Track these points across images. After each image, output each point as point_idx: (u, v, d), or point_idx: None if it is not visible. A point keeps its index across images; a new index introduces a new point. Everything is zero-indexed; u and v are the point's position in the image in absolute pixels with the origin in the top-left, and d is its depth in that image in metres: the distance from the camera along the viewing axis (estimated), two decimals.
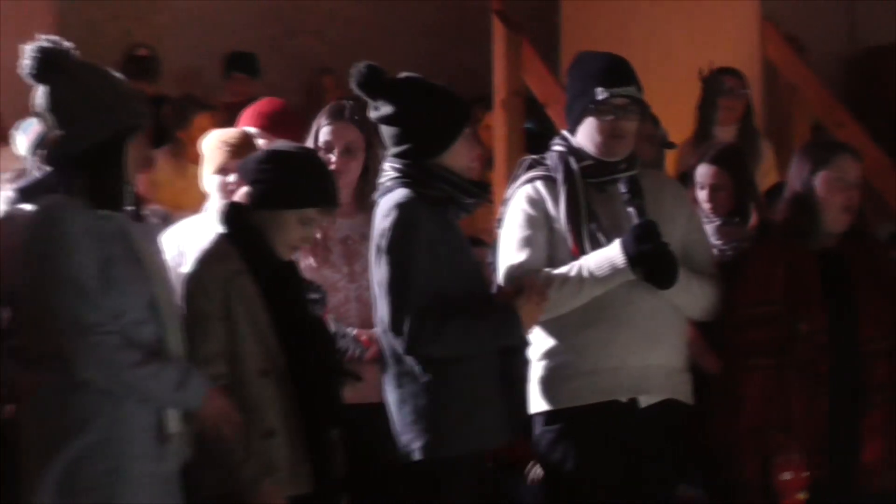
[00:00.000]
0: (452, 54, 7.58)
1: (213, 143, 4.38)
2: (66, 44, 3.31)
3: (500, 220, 4.08)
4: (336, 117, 4.37)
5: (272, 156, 3.72)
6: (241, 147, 4.18)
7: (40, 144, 4.11)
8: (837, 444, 3.89)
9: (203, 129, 5.05)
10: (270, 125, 4.66)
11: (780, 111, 6.95)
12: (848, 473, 3.89)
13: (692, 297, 3.87)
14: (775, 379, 3.92)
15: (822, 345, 3.89)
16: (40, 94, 3.23)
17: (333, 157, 4.30)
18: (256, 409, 3.40)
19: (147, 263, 3.25)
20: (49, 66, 3.21)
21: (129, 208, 3.30)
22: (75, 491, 3.10)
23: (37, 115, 3.38)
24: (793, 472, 3.80)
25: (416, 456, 3.61)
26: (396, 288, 3.59)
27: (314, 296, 3.89)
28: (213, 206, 4.23)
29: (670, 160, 5.39)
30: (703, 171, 4.84)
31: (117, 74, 3.43)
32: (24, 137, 4.52)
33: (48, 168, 3.33)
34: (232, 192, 3.90)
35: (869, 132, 6.03)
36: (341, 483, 3.77)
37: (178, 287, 3.49)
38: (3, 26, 7.16)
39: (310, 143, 4.29)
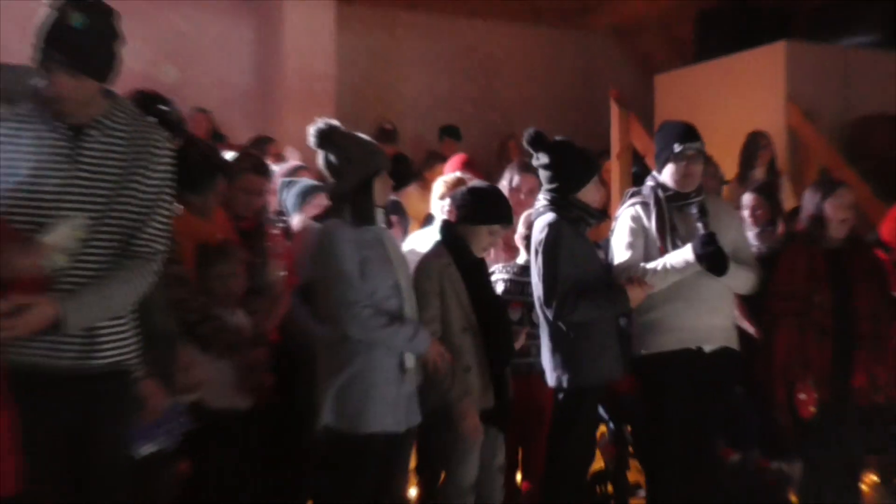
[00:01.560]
0: (586, 122, 8.19)
1: (438, 183, 5.02)
2: (335, 122, 3.90)
3: (612, 231, 4.64)
4: (524, 170, 4.95)
5: (472, 190, 4.29)
6: (454, 185, 4.75)
7: (307, 191, 5.02)
8: (837, 375, 4.44)
9: (438, 174, 5.47)
10: (463, 169, 5.26)
11: (798, 159, 7.51)
12: (844, 394, 4.45)
13: (739, 280, 4.42)
14: (797, 333, 4.49)
15: (827, 310, 4.47)
16: (320, 156, 3.86)
17: (522, 196, 4.91)
18: (459, 354, 3.96)
19: (393, 259, 3.83)
20: (324, 139, 3.85)
21: (381, 223, 3.89)
22: (343, 404, 3.69)
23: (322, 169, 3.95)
24: (807, 394, 4.42)
25: (565, 385, 4.24)
26: (547, 277, 4.22)
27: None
28: (439, 223, 4.61)
29: (725, 190, 5.91)
30: (747, 198, 5.48)
31: (367, 138, 4.02)
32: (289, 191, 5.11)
33: (328, 200, 3.99)
34: (448, 212, 4.43)
35: (858, 174, 6.66)
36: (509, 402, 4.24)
37: (412, 273, 4.04)
38: (287, 106, 8.29)
39: (504, 185, 4.86)
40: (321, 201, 4.71)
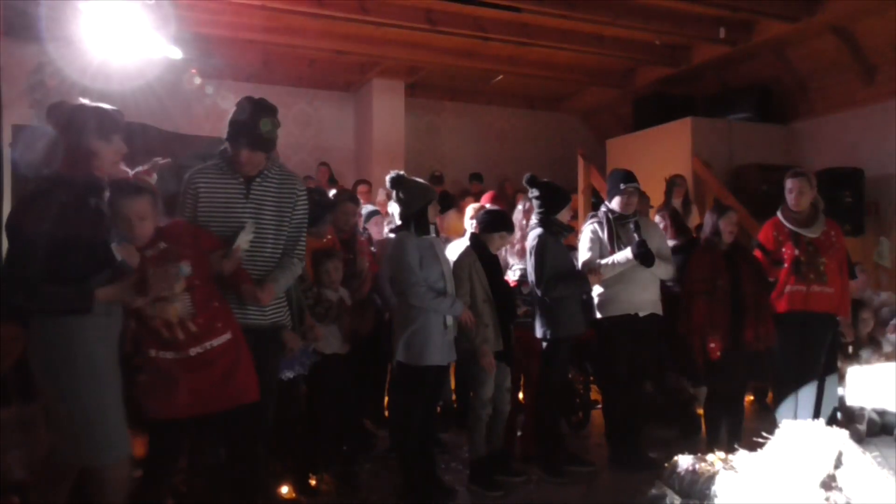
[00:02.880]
0: (563, 170, 8.04)
1: (468, 209, 4.90)
2: (402, 172, 3.87)
3: (580, 240, 4.54)
4: (526, 202, 4.69)
5: (488, 212, 4.33)
6: (477, 210, 4.67)
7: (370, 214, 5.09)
8: (733, 332, 4.30)
9: (468, 203, 5.36)
10: (493, 202, 5.22)
11: (701, 193, 7.33)
12: (738, 344, 4.30)
13: (661, 270, 4.36)
14: (707, 305, 4.32)
15: (726, 290, 4.32)
16: (398, 192, 3.81)
17: (519, 215, 4.67)
18: (480, 316, 3.93)
19: (440, 257, 3.83)
20: (396, 183, 3.82)
21: (433, 235, 3.84)
22: (410, 347, 3.68)
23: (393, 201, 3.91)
24: (714, 344, 4.27)
25: (548, 336, 4.20)
26: (537, 269, 4.20)
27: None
28: (469, 233, 4.51)
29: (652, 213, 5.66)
30: (658, 218, 5.29)
31: (423, 181, 3.97)
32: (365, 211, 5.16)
33: (399, 220, 3.87)
34: (474, 227, 4.38)
35: (739, 202, 6.43)
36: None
37: (451, 265, 3.97)
38: (374, 161, 8.32)
39: (518, 209, 4.68)
40: (379, 220, 4.88)
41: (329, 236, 4.09)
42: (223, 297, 2.84)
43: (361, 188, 6.83)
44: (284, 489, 3.70)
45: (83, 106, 2.65)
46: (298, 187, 3.12)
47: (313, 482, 3.83)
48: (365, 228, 5.02)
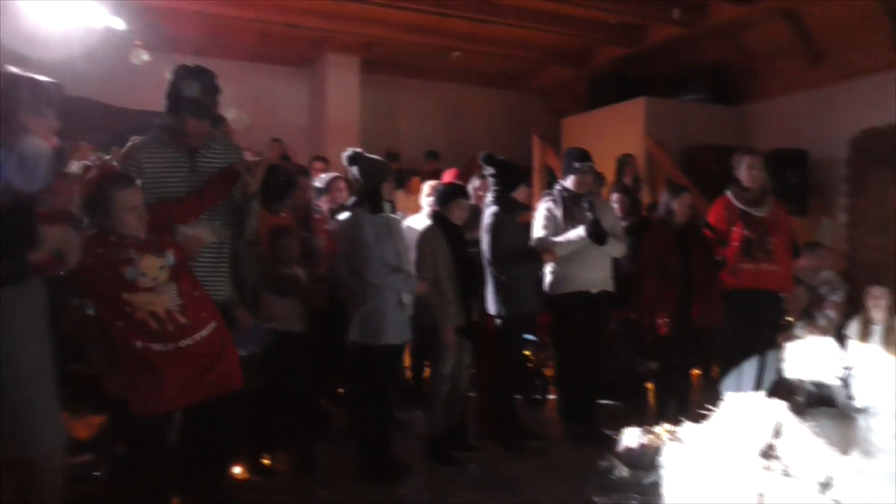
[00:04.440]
0: (519, 149, 7.86)
1: (427, 187, 4.96)
2: (359, 149, 3.89)
3: (535, 217, 4.60)
4: (482, 178, 4.77)
5: (444, 185, 4.38)
6: (433, 188, 4.71)
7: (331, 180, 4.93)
8: (682, 309, 4.42)
9: (417, 183, 5.40)
10: (455, 177, 5.17)
11: (653, 172, 7.49)
12: (686, 321, 4.43)
13: (613, 248, 4.42)
14: (657, 283, 4.45)
15: (677, 267, 4.44)
16: (353, 169, 3.83)
17: (479, 192, 4.77)
18: (444, 292, 3.96)
19: (395, 234, 3.82)
20: (352, 159, 3.84)
21: (389, 212, 3.81)
22: (365, 326, 3.64)
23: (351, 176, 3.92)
24: (663, 321, 4.40)
25: (501, 314, 4.26)
26: (491, 245, 4.25)
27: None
28: (425, 211, 4.73)
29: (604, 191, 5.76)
30: (615, 196, 5.45)
31: (379, 158, 3.96)
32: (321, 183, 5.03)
33: (354, 198, 3.91)
34: (432, 204, 4.38)
35: (690, 182, 6.53)
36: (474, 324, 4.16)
37: (409, 243, 4.00)
38: (328, 138, 8.10)
39: (470, 185, 4.74)
40: (340, 185, 4.83)
41: (284, 213, 4.07)
42: (201, 284, 2.79)
43: (317, 165, 6.75)
44: (237, 469, 3.70)
45: (15, 75, 2.50)
46: (241, 156, 3.10)
47: (267, 462, 3.84)
48: (319, 206, 4.94)
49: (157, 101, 3.16)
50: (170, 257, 2.63)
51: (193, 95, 2.87)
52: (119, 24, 5.71)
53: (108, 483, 2.78)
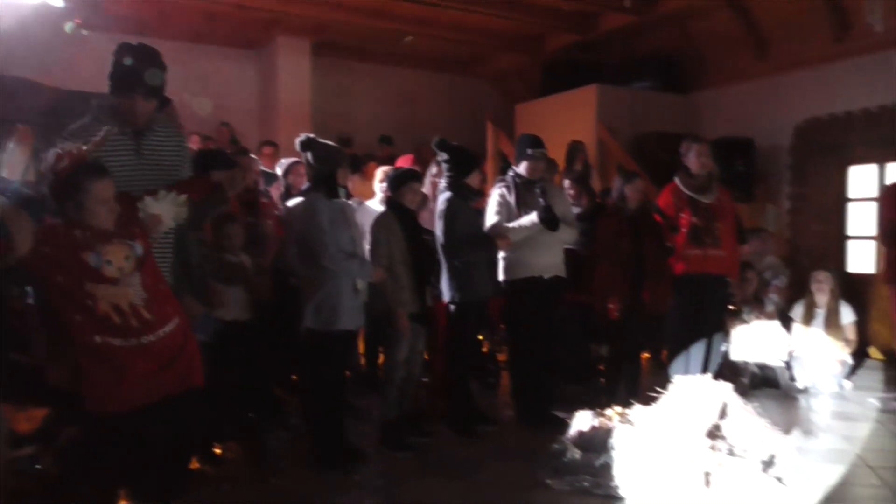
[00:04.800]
0: (473, 135, 7.85)
1: (380, 172, 4.96)
2: (312, 135, 3.83)
3: (488, 204, 4.59)
4: (437, 164, 4.86)
5: (395, 170, 4.34)
6: (385, 173, 4.69)
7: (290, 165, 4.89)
8: (632, 294, 4.51)
9: (374, 168, 5.33)
10: (411, 163, 5.25)
11: (604, 159, 7.58)
12: (636, 306, 4.52)
13: (565, 235, 4.42)
14: (609, 268, 4.54)
15: (628, 252, 4.51)
16: (307, 155, 3.78)
17: (435, 178, 4.80)
18: (398, 278, 3.95)
19: (349, 220, 3.80)
20: (305, 144, 3.79)
21: (343, 198, 3.79)
22: (319, 312, 3.66)
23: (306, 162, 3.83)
24: (614, 305, 4.50)
25: (454, 299, 4.27)
26: (444, 232, 4.26)
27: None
28: (378, 196, 4.76)
29: (556, 177, 5.84)
30: (567, 183, 5.50)
31: (333, 144, 3.89)
32: (280, 168, 5.03)
33: (308, 183, 3.85)
34: (385, 190, 4.44)
35: (640, 169, 6.64)
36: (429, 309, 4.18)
37: (364, 229, 4.01)
38: (279, 122, 8.06)
39: (428, 172, 4.76)
40: (300, 170, 4.71)
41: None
42: (164, 278, 2.70)
43: (266, 150, 6.67)
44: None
45: None
46: (185, 143, 3.04)
47: (219, 451, 3.81)
48: (268, 190, 4.89)
49: (97, 83, 3.06)
50: (137, 247, 2.53)
51: (140, 74, 2.79)
52: (57, 1, 5.48)
53: (51, 476, 2.68)
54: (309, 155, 3.79)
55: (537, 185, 4.48)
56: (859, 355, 5.71)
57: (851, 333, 5.54)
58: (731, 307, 5.34)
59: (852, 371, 5.59)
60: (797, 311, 5.68)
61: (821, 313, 5.57)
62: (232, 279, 3.73)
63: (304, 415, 4.00)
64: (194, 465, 3.63)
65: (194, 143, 5.78)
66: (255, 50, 8.97)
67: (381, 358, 4.86)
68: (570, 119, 8.03)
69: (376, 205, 4.85)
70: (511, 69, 10.07)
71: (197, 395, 2.64)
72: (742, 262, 5.49)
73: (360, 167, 5.74)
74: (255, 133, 8.44)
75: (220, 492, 3.37)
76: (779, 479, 3.42)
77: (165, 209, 2.63)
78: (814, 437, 4.24)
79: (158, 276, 2.63)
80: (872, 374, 5.89)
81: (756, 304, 5.59)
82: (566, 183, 5.42)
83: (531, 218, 4.36)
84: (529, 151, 4.49)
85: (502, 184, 4.60)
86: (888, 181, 6.33)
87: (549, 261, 4.49)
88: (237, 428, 3.95)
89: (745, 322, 5.49)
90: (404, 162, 5.40)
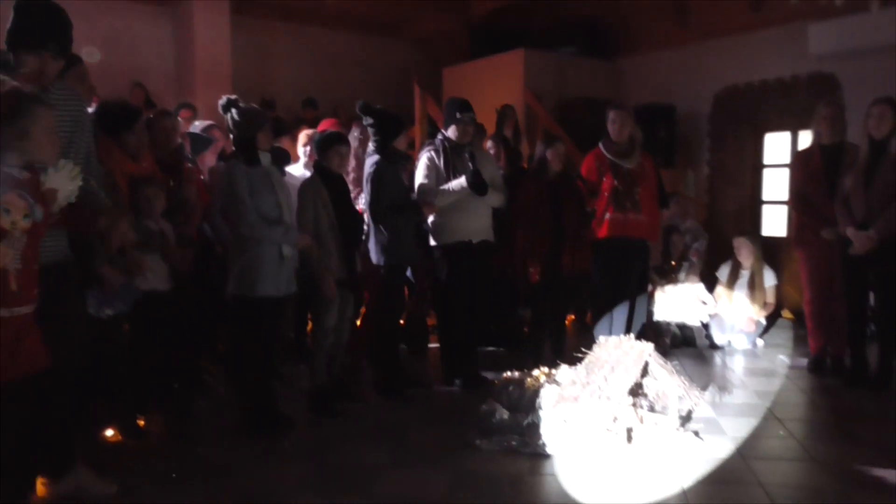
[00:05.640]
0: (400, 99, 7.79)
1: (303, 136, 4.93)
2: (234, 96, 3.75)
3: (417, 167, 4.61)
4: (360, 128, 4.80)
5: (321, 135, 4.23)
6: (310, 137, 4.68)
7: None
8: (553, 258, 4.55)
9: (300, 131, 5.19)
10: (334, 127, 5.04)
11: (531, 123, 7.59)
12: (557, 269, 4.57)
13: (493, 199, 4.49)
14: (530, 232, 4.56)
15: (548, 217, 4.54)
16: (228, 117, 3.71)
17: (355, 143, 4.78)
18: (324, 244, 3.92)
19: (276, 185, 3.71)
20: (227, 107, 3.72)
21: (265, 162, 3.68)
22: (241, 278, 3.64)
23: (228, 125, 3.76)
24: (535, 269, 4.54)
25: (382, 263, 4.27)
26: (370, 197, 4.24)
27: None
28: (302, 161, 4.75)
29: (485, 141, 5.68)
30: (490, 144, 5.45)
31: (256, 107, 3.84)
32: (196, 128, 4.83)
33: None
34: (309, 154, 4.44)
35: (565, 134, 6.78)
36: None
37: (292, 193, 3.89)
38: (197, 83, 7.80)
39: (353, 136, 4.72)
40: (216, 134, 4.64)
41: (146, 162, 3.81)
42: (38, 259, 2.54)
43: (184, 113, 6.42)
44: (109, 432, 3.59)
45: None
46: (83, 108, 2.91)
47: (142, 423, 3.75)
48: (192, 154, 4.73)
49: None
50: (38, 212, 2.39)
51: (50, 32, 2.65)
52: None
53: None
54: (231, 117, 3.70)
55: (466, 149, 4.49)
56: (773, 316, 5.96)
57: (772, 296, 5.78)
58: (660, 267, 5.49)
59: (765, 330, 5.86)
60: (723, 272, 5.92)
61: (745, 275, 5.80)
62: (148, 246, 3.60)
63: (231, 381, 3.95)
64: (117, 437, 3.57)
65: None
66: (169, 6, 8.57)
67: (310, 325, 4.82)
68: (498, 83, 8.04)
69: (299, 169, 4.76)
70: (437, 32, 9.98)
71: (54, 379, 2.55)
72: (668, 226, 5.66)
73: (288, 131, 5.57)
74: (171, 95, 8.12)
75: (145, 465, 3.30)
76: (696, 433, 3.60)
77: (61, 183, 2.50)
78: (728, 393, 4.45)
79: (37, 253, 2.49)
80: (783, 333, 6.19)
81: (687, 264, 5.80)
82: (488, 143, 5.43)
83: (460, 182, 4.39)
84: (458, 115, 4.49)
85: (431, 147, 4.60)
86: (800, 148, 6.57)
87: (478, 225, 4.53)
88: (160, 399, 3.87)
89: (671, 283, 5.67)
90: (327, 125, 5.29)
